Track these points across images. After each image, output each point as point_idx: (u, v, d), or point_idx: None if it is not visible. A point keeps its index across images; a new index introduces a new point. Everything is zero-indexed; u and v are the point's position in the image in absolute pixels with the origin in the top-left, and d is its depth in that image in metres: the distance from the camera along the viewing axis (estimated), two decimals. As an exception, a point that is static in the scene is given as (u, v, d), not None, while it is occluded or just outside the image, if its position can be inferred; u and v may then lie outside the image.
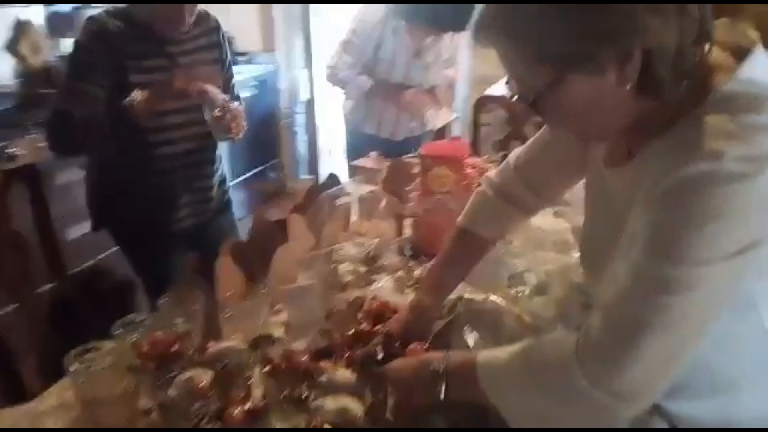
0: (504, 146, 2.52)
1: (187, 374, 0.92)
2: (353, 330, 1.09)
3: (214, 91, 1.64)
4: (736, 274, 0.69)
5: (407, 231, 1.60)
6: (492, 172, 1.20)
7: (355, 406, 0.86)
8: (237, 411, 0.84)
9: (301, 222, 1.47)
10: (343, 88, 2.56)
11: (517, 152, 1.14)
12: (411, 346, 0.97)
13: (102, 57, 1.59)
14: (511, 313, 1.02)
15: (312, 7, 4.06)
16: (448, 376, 0.83)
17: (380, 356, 0.96)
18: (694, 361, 0.72)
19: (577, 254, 1.17)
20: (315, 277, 1.25)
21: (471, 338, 0.96)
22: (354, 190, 1.81)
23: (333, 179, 1.78)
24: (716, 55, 0.75)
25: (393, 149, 2.39)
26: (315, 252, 1.36)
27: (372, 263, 1.40)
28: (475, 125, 2.57)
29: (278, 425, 0.85)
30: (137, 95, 1.56)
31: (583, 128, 0.82)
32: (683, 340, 0.70)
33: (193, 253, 1.38)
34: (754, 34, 0.78)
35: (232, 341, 1.04)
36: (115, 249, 1.94)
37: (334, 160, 4.22)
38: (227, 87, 1.85)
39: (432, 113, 2.62)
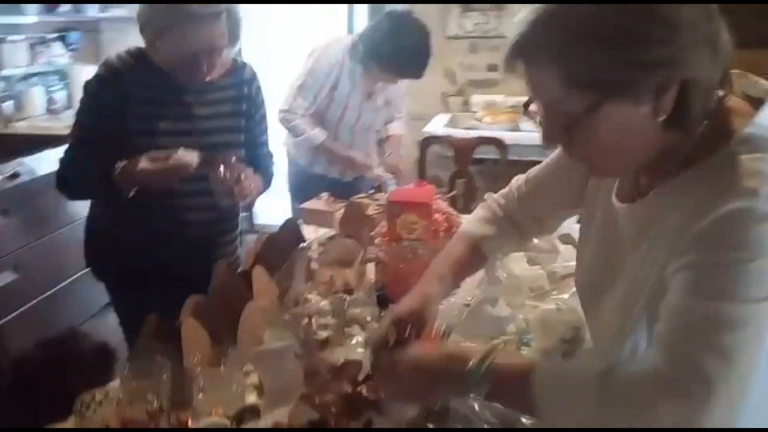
0: (450, 186, 2.55)
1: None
2: (344, 394, 1.04)
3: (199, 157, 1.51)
4: None
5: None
6: (496, 195, 1.22)
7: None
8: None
9: (265, 274, 1.40)
10: (294, 135, 2.50)
11: (519, 180, 1.17)
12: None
13: (111, 102, 1.55)
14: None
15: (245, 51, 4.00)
16: (494, 375, 0.80)
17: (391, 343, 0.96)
18: None
19: (553, 300, 1.17)
20: (290, 337, 1.18)
21: None
22: (311, 235, 1.76)
23: (291, 225, 1.72)
24: (733, 100, 0.79)
25: (341, 187, 2.36)
26: (294, 310, 1.29)
27: (343, 316, 1.35)
28: (422, 163, 2.60)
29: None
30: (121, 164, 1.50)
31: (607, 157, 0.81)
32: (743, 376, 0.71)
33: (153, 315, 1.27)
34: (766, 84, 0.82)
35: (214, 417, 0.95)
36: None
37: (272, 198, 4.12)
38: (253, 142, 1.77)
39: (379, 171, 2.60)
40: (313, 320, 1.30)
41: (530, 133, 3.38)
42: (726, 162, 0.73)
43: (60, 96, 3.68)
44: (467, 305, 1.22)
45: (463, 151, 2.56)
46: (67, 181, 1.63)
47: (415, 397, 0.94)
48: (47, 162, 2.94)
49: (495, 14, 3.78)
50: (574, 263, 1.16)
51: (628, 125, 0.76)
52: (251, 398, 1.11)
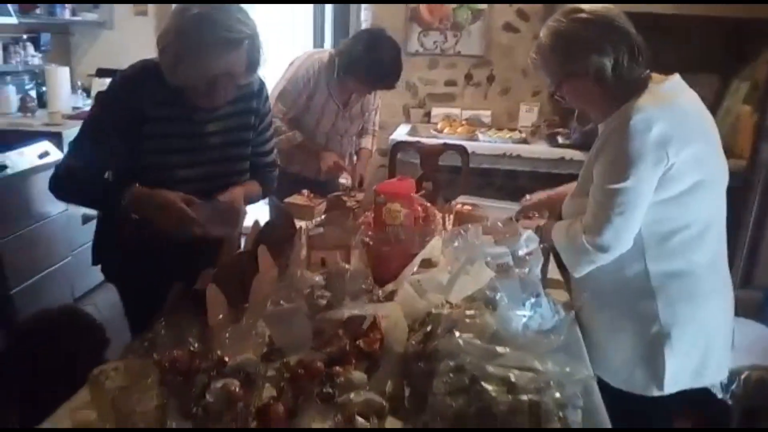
0: (418, 188, 2.79)
1: (220, 383, 1.03)
2: (344, 346, 1.25)
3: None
4: (651, 178, 1.40)
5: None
6: None
7: (378, 397, 1.02)
8: (280, 407, 0.97)
9: (267, 253, 1.60)
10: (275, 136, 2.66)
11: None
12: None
13: (122, 114, 1.54)
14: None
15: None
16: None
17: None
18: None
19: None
20: (298, 300, 1.39)
21: None
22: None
23: (283, 213, 1.92)
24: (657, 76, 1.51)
25: (315, 186, 2.54)
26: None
27: (337, 289, 1.56)
28: (391, 166, 2.83)
29: (315, 420, 0.99)
30: (130, 195, 1.51)
31: (585, 105, 1.58)
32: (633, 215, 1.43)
33: (178, 285, 1.44)
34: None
35: (248, 354, 1.15)
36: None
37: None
38: (259, 151, 1.81)
39: (346, 178, 2.77)
40: (314, 291, 1.51)
41: (486, 143, 3.68)
42: (635, 104, 1.43)
43: (32, 95, 3.75)
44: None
45: (429, 156, 2.80)
46: (63, 184, 1.60)
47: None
48: (29, 157, 3.05)
49: (452, 34, 4.09)
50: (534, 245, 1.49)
51: (584, 92, 1.51)
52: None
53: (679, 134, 1.40)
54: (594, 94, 1.51)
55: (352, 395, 1.01)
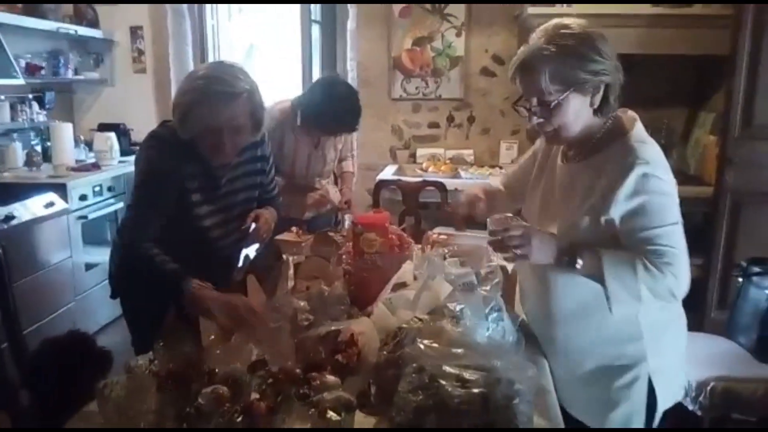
0: (400, 222, 2.97)
1: (210, 388, 1.18)
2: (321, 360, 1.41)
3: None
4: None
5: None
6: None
7: (347, 394, 1.17)
8: (262, 405, 1.11)
9: (256, 282, 1.77)
10: None
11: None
12: (497, 216, 1.49)
13: (169, 173, 1.71)
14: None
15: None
16: (580, 252, 1.43)
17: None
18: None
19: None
20: (283, 321, 1.55)
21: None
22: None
23: (271, 248, 2.09)
24: (621, 116, 1.52)
25: (301, 225, 2.69)
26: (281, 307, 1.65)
27: (320, 311, 1.72)
28: (375, 205, 3.02)
29: (292, 416, 1.13)
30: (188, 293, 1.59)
31: (564, 126, 1.46)
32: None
33: (172, 315, 1.60)
34: (632, 113, 1.55)
35: (236, 364, 1.31)
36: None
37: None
38: (269, 188, 2.06)
39: (331, 208, 2.94)
40: (298, 314, 1.66)
41: (468, 180, 3.88)
42: (627, 147, 1.42)
43: (38, 150, 3.96)
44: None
45: (410, 193, 2.99)
46: (129, 247, 1.74)
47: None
48: (35, 207, 3.24)
49: (433, 80, 4.34)
50: (494, 263, 1.64)
51: (578, 108, 1.44)
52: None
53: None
54: (585, 117, 1.47)
55: (324, 394, 1.16)
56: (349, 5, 4.36)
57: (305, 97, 2.69)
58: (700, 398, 2.27)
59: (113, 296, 1.95)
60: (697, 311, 3.28)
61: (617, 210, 1.41)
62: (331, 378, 1.24)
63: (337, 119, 2.60)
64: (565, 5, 3.59)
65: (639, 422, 1.55)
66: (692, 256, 1.49)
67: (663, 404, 1.57)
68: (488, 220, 1.50)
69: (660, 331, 1.54)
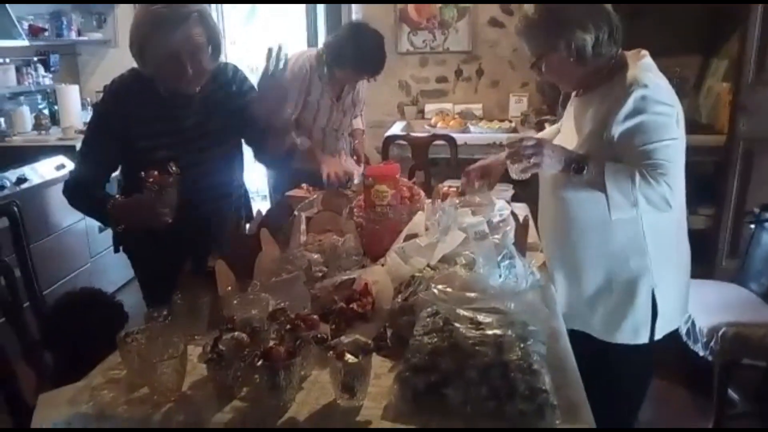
0: (410, 176, 2.97)
1: (230, 334, 1.21)
2: (339, 309, 1.43)
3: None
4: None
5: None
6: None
7: (364, 338, 1.19)
8: (281, 349, 1.14)
9: (269, 235, 1.78)
10: None
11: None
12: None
13: (114, 121, 1.75)
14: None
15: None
16: (586, 162, 1.56)
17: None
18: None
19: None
20: (298, 270, 1.56)
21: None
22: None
23: (284, 202, 2.10)
24: (625, 54, 1.65)
25: (314, 179, 2.70)
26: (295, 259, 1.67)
27: (333, 263, 1.73)
28: (385, 159, 3.01)
29: (311, 359, 1.16)
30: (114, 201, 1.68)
31: (556, 79, 1.73)
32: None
33: (188, 264, 1.62)
34: (642, 50, 1.67)
35: (252, 312, 1.33)
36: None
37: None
38: (256, 126, 1.89)
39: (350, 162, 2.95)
40: (312, 265, 1.68)
41: (477, 134, 3.85)
42: (629, 75, 1.56)
43: (45, 113, 3.96)
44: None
45: (419, 147, 2.98)
46: (71, 195, 1.81)
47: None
48: (46, 170, 3.26)
49: (440, 32, 4.27)
50: (506, 212, 1.65)
51: (559, 64, 1.63)
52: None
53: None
54: (571, 68, 1.64)
55: (342, 338, 1.18)
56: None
57: (333, 39, 2.70)
58: (711, 343, 2.30)
59: (116, 250, 2.00)
60: (708, 260, 3.29)
61: (617, 129, 1.56)
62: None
63: (363, 60, 2.63)
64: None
65: (645, 335, 1.70)
66: (703, 205, 1.51)
67: (663, 321, 1.70)
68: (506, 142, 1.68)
69: (664, 247, 1.69)
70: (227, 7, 4.91)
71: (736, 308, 2.40)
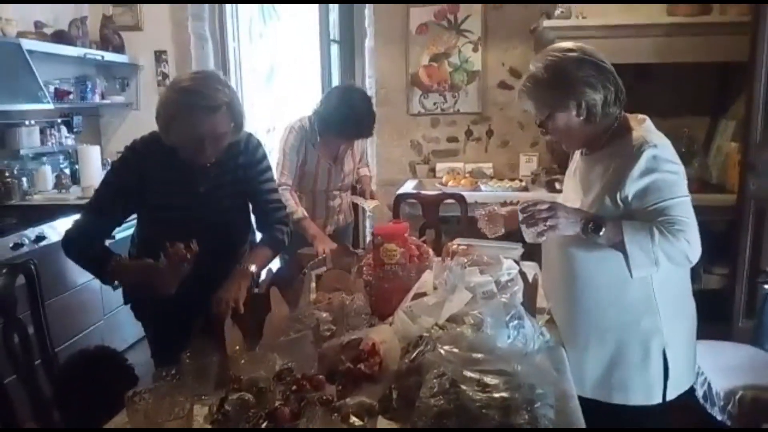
0: (421, 234, 2.99)
1: (236, 394, 1.21)
2: (346, 369, 1.43)
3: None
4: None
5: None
6: None
7: (369, 399, 1.19)
8: (286, 410, 1.14)
9: (278, 294, 1.80)
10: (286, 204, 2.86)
11: None
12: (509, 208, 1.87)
13: (130, 176, 1.82)
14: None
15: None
16: (603, 222, 1.56)
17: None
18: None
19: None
20: (306, 329, 1.57)
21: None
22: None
23: (295, 261, 2.12)
24: (627, 117, 1.69)
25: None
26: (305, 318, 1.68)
27: (341, 322, 1.74)
28: (395, 217, 3.04)
29: (315, 421, 1.16)
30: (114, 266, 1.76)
31: (561, 138, 1.73)
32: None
33: (199, 320, 1.64)
34: (640, 115, 1.72)
35: (260, 372, 1.33)
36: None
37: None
38: (264, 198, 2.02)
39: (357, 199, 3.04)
40: (320, 324, 1.69)
41: (487, 192, 3.89)
42: (636, 136, 1.61)
43: (67, 172, 4.07)
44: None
45: (429, 205, 3.02)
46: (70, 245, 1.85)
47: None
48: (64, 228, 3.32)
49: (451, 95, 4.38)
50: (514, 271, 1.66)
51: (566, 123, 1.65)
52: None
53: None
54: (578, 127, 1.66)
55: (347, 399, 1.18)
56: (366, 24, 4.43)
57: (322, 105, 2.74)
58: (729, 407, 2.24)
59: (126, 302, 2.04)
60: (724, 321, 3.23)
61: (631, 188, 1.58)
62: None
63: (354, 123, 2.65)
64: (580, 17, 3.61)
65: (658, 395, 1.68)
66: (717, 264, 1.52)
67: (674, 380, 1.68)
68: (519, 207, 1.69)
69: (673, 306, 1.69)
70: (246, 70, 5.09)
71: (753, 371, 2.35)
